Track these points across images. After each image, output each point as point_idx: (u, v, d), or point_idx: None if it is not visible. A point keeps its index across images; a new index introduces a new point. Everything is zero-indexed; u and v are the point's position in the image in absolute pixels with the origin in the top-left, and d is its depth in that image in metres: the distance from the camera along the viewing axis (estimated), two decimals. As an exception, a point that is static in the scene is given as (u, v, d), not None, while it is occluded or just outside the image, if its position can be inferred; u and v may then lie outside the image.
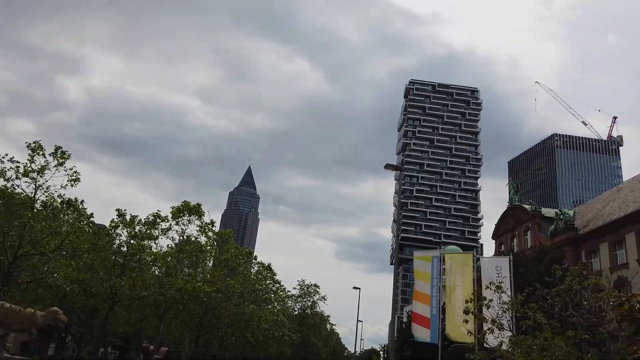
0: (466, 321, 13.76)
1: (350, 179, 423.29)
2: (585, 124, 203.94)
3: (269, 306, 46.44)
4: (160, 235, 32.12)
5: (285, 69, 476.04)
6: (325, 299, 61.16)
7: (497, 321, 12.22)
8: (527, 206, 50.33)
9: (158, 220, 31.86)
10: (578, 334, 10.47)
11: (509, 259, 21.81)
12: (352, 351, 70.05)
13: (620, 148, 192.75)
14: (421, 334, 21.40)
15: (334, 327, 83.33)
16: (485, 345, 16.77)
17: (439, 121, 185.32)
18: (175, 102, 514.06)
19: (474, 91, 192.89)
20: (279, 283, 51.81)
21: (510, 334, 12.79)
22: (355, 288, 44.21)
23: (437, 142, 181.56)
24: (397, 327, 50.47)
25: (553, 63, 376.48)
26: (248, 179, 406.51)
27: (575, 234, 40.80)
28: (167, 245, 33.75)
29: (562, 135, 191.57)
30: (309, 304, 59.97)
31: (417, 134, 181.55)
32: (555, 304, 11.40)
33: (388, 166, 16.92)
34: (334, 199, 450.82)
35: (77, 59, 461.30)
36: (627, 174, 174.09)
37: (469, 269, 21.68)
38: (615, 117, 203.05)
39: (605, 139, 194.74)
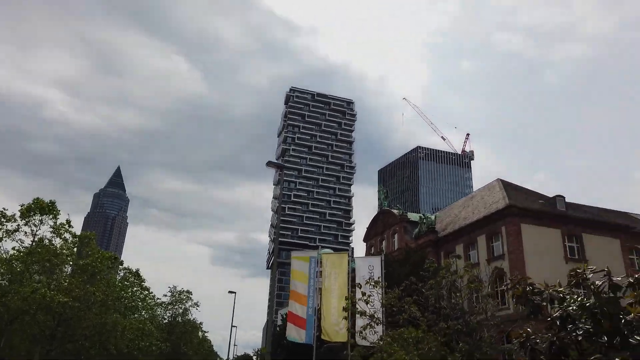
0: (346, 317, 14.03)
1: (226, 183, 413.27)
2: (444, 139, 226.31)
3: (135, 315, 43.10)
4: (5, 237, 27.94)
5: (160, 66, 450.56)
6: (198, 306, 58.73)
7: (375, 316, 12.58)
8: (395, 211, 53.94)
9: (2, 219, 27.68)
10: (451, 324, 11.20)
11: (381, 258, 22.96)
12: (225, 358, 68.33)
13: (472, 162, 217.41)
14: (296, 334, 21.41)
15: (206, 334, 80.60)
16: (363, 340, 17.26)
17: (317, 129, 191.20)
18: (31, 92, 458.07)
19: (349, 103, 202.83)
20: (148, 290, 48.48)
21: (387, 328, 13.31)
22: (230, 292, 43.12)
23: (314, 149, 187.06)
24: (272, 331, 50.35)
25: (418, 82, 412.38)
26: (116, 180, 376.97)
27: (436, 237, 44.64)
28: (14, 249, 29.44)
29: (425, 147, 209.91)
30: (180, 311, 57.04)
31: (296, 140, 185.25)
32: (429, 296, 12.09)
33: (270, 163, 16.72)
34: (209, 204, 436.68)
35: None
36: (476, 184, 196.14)
37: (344, 268, 22.28)
38: (468, 134, 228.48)
39: (460, 153, 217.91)
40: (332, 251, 59.92)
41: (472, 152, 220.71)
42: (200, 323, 69.63)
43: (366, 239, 57.77)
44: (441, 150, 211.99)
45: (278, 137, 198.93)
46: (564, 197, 39.44)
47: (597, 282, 3.22)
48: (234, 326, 62.19)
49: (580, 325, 3.10)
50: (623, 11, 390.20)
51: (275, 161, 17.36)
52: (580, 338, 3.01)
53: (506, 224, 36.66)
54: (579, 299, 3.14)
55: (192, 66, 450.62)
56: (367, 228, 58.50)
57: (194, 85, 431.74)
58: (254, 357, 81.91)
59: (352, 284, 23.51)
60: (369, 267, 22.33)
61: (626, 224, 40.26)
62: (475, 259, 38.78)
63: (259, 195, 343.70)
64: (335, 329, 21.07)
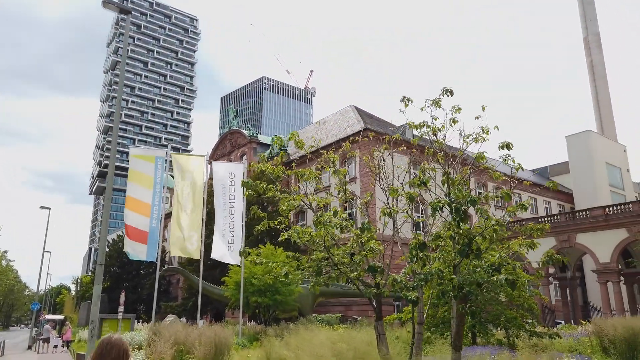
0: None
1: (33, 96, 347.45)
2: (289, 73, 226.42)
3: None
4: None
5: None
6: (-1, 229, 48.91)
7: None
8: (245, 131, 50.89)
9: None
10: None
11: (244, 165, 19.96)
12: (36, 289, 59.67)
13: (313, 98, 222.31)
14: (137, 250, 17.47)
15: (11, 263, 69.31)
16: (226, 256, 14.35)
17: (155, 44, 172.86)
18: None
19: (193, 19, 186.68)
20: None
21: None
22: (43, 207, 35.67)
23: (151, 65, 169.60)
24: (104, 258, 44.43)
25: (268, 10, 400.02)
26: None
27: (288, 158, 43.06)
28: None
29: (270, 79, 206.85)
30: (-25, 235, 46.77)
31: (129, 53, 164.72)
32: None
33: (108, 3, 11.63)
34: (9, 119, 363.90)
35: None
36: (315, 119, 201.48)
37: (200, 173, 18.76)
38: (312, 71, 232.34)
39: (303, 88, 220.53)
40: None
41: (314, 89, 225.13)
42: (5, 251, 59.46)
43: (211, 160, 53.82)
44: (285, 84, 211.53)
45: (107, 47, 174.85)
46: (412, 126, 40.80)
47: None
48: (47, 251, 53.91)
49: None
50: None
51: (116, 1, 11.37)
52: None
53: (360, 147, 36.47)
54: None
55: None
56: (212, 148, 54.65)
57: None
58: (72, 286, 73.61)
59: (209, 192, 20.21)
60: (230, 175, 19.18)
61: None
62: (327, 182, 38.34)
63: (76, 113, 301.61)
64: (186, 244, 17.75)
